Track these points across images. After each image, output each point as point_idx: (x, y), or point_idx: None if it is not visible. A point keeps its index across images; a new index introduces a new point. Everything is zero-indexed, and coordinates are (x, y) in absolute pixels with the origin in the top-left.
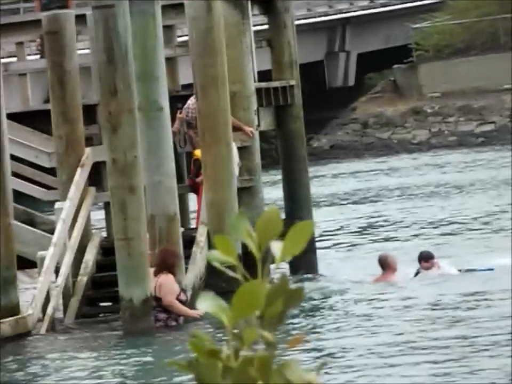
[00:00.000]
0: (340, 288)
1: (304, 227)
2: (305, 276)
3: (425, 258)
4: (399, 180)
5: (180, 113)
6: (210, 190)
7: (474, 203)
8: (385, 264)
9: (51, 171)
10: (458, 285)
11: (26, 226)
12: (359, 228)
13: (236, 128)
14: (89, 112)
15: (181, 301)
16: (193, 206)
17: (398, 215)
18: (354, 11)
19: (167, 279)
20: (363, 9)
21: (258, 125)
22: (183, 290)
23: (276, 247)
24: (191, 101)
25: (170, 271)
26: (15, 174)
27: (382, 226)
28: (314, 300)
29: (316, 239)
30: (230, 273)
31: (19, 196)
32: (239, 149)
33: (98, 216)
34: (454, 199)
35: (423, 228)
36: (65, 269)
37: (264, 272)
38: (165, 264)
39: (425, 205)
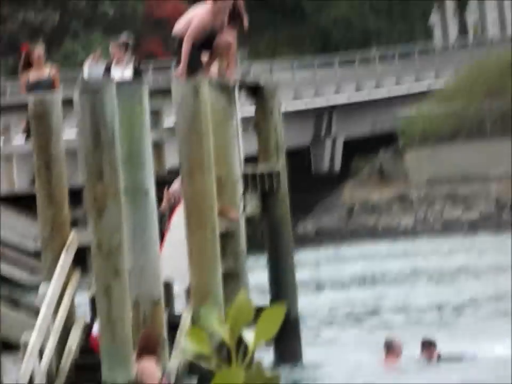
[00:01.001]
0: (322, 376)
1: (275, 312)
2: (289, 363)
3: (427, 346)
4: (385, 265)
5: (167, 189)
6: (195, 275)
7: (460, 288)
8: (390, 348)
9: (36, 254)
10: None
11: (10, 311)
12: (345, 313)
13: (221, 213)
14: (75, 195)
15: None
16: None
17: (383, 300)
18: (341, 97)
19: (148, 365)
20: (349, 96)
21: (244, 210)
22: (166, 374)
23: (248, 334)
24: (176, 185)
25: (152, 354)
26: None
27: (368, 311)
28: None
29: (301, 325)
30: (203, 364)
31: (3, 280)
32: (224, 234)
33: (83, 299)
34: (440, 284)
35: (411, 313)
36: (48, 353)
37: (239, 360)
38: (148, 348)
39: (411, 290)
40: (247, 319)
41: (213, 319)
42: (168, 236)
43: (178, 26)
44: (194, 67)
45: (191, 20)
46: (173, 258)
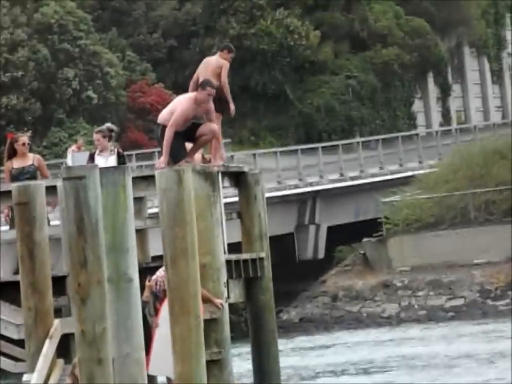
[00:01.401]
0: None
1: None
2: None
3: None
4: (370, 354)
5: (149, 281)
6: (179, 362)
7: (446, 375)
8: None
9: (19, 343)
10: None
11: None
12: None
13: (205, 300)
14: (59, 283)
15: None
16: (161, 379)
17: None
18: (324, 184)
19: None
20: (333, 183)
21: (228, 297)
22: None
23: None
24: (160, 273)
25: None
26: None
27: None
28: None
29: None
30: None
31: None
32: (208, 321)
33: None
34: (425, 373)
35: None
36: None
37: None
38: None
39: (396, 379)
40: None
41: None
42: (158, 332)
43: (163, 114)
44: (176, 156)
45: (175, 108)
46: (163, 355)
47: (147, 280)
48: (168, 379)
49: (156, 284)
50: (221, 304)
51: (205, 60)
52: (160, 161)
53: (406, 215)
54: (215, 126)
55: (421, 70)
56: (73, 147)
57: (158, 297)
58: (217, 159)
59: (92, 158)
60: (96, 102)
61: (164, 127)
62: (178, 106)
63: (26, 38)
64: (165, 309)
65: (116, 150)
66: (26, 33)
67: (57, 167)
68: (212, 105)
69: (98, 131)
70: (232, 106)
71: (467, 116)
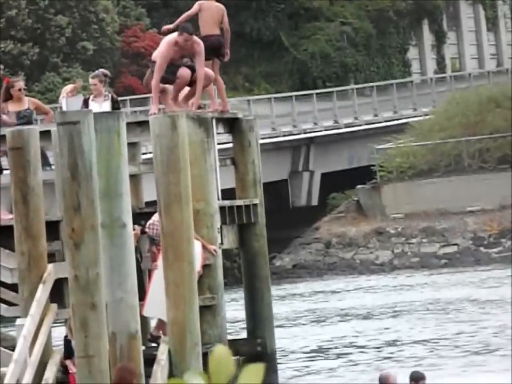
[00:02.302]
0: None
1: (254, 371)
2: None
3: (416, 379)
4: (363, 300)
5: (134, 230)
6: (172, 307)
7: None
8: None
9: (13, 287)
10: None
11: None
12: (322, 348)
13: (201, 247)
14: (52, 228)
15: None
16: (154, 322)
17: (362, 336)
18: (319, 131)
19: None
20: (327, 129)
21: (222, 243)
22: None
23: None
24: (156, 217)
25: None
26: None
27: (346, 347)
28: None
29: (278, 361)
30: None
31: None
32: (203, 266)
33: (60, 333)
34: (418, 320)
35: (389, 347)
36: None
37: None
38: (124, 382)
39: (389, 326)
40: (228, 372)
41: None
42: (156, 274)
43: (155, 53)
44: (166, 79)
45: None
46: (159, 297)
47: (133, 228)
48: (160, 321)
49: (150, 228)
50: (215, 250)
51: (206, 4)
52: (152, 110)
53: (400, 163)
54: (207, 71)
55: (416, 17)
56: (68, 88)
57: (154, 241)
58: (224, 104)
59: (86, 103)
60: (91, 52)
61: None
62: (160, 49)
63: None
64: None
65: (110, 95)
66: None
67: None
68: (199, 48)
69: (94, 76)
70: (227, 54)
71: (462, 63)
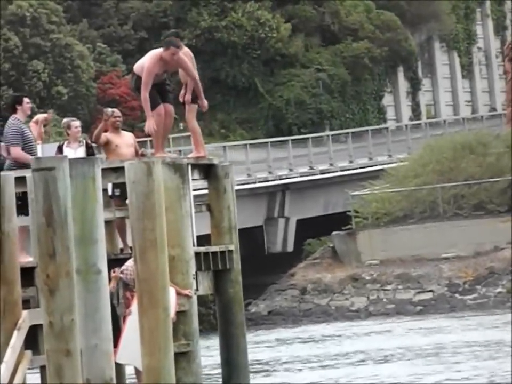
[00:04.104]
0: None
1: None
2: None
3: None
4: (338, 347)
5: (114, 272)
6: (146, 355)
7: (414, 370)
8: None
9: None
10: None
11: None
12: None
13: (178, 293)
14: (27, 274)
15: None
16: (129, 369)
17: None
18: (294, 177)
19: None
20: (302, 176)
21: (197, 289)
22: None
23: None
24: (130, 263)
25: None
26: None
27: None
28: None
29: None
30: None
31: None
32: (176, 313)
33: (34, 380)
34: (391, 365)
35: None
36: None
37: None
38: None
39: (364, 371)
40: None
41: None
42: (130, 320)
43: (138, 65)
44: (153, 104)
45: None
46: (133, 343)
47: (112, 271)
48: (136, 369)
49: (123, 273)
50: (189, 292)
51: (185, 51)
52: (148, 125)
53: (375, 209)
54: (190, 115)
55: (391, 64)
56: (41, 117)
57: (127, 286)
58: (200, 151)
59: (60, 149)
60: (66, 97)
61: (138, 77)
62: (145, 65)
63: None
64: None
65: (84, 141)
66: None
67: None
68: (184, 60)
69: (67, 122)
70: (204, 102)
71: (437, 110)
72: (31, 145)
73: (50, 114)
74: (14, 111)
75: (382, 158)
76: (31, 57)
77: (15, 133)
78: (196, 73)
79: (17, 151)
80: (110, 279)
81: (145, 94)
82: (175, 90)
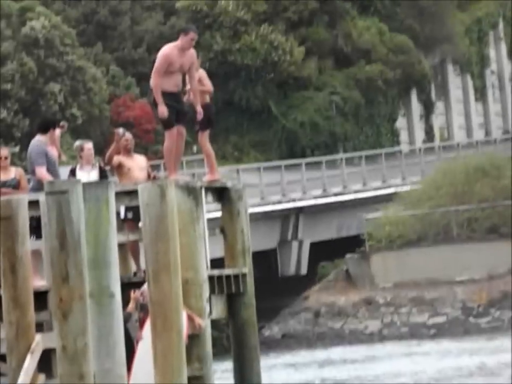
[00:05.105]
0: None
1: None
2: None
3: None
4: (353, 371)
5: (134, 292)
6: (160, 378)
7: None
8: None
9: (1, 357)
10: None
11: None
12: None
13: (188, 317)
14: (40, 298)
15: None
16: None
17: None
18: (308, 200)
19: None
20: (316, 199)
21: (210, 313)
22: None
23: None
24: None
25: None
26: None
27: None
28: None
29: None
30: None
31: None
32: (190, 336)
33: None
34: None
35: None
36: None
37: None
38: None
39: None
40: None
41: None
42: (141, 344)
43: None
44: (167, 123)
45: None
46: (145, 368)
47: (132, 292)
48: None
49: (142, 294)
50: (199, 325)
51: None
52: (160, 111)
53: (389, 232)
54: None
55: (405, 87)
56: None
57: (144, 308)
58: (214, 174)
59: (73, 173)
60: (80, 120)
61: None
62: (160, 51)
63: (13, 51)
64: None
65: (97, 164)
66: (12, 46)
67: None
68: (195, 58)
69: (81, 145)
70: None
71: (450, 133)
72: (54, 167)
73: (64, 126)
74: (43, 132)
75: (395, 181)
76: (47, 79)
77: (40, 153)
78: (210, 88)
79: (42, 172)
80: (128, 301)
81: (157, 80)
82: (189, 111)
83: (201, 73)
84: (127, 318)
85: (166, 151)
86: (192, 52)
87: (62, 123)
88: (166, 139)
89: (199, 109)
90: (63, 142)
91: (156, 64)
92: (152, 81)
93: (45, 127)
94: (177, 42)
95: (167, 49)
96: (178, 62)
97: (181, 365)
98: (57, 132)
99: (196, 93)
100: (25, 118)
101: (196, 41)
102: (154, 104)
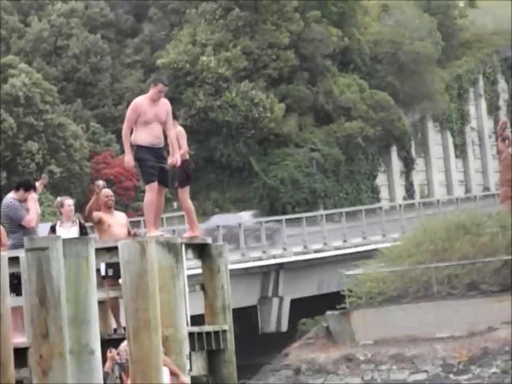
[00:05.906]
0: None
1: None
2: None
3: None
4: None
5: (110, 352)
6: None
7: None
8: None
9: None
10: None
11: None
12: None
13: (172, 373)
14: (20, 355)
15: None
16: None
17: None
18: (288, 257)
19: None
20: (296, 255)
21: (190, 370)
22: None
23: None
24: (125, 343)
25: None
26: None
27: None
28: None
29: None
30: None
31: None
32: None
33: None
34: None
35: None
36: None
37: None
38: None
39: None
40: None
41: None
42: None
43: (133, 136)
44: (148, 178)
45: None
46: None
47: (108, 351)
48: None
49: (118, 354)
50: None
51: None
52: (126, 161)
53: (369, 288)
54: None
55: (385, 144)
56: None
57: (123, 367)
58: (194, 230)
59: (53, 229)
60: (59, 176)
61: (137, 147)
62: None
63: None
64: None
65: (77, 221)
66: None
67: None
68: (168, 107)
69: (61, 202)
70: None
71: (430, 190)
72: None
73: (44, 179)
74: (16, 190)
75: (375, 238)
76: (26, 137)
77: (18, 207)
78: (186, 148)
79: (28, 220)
80: (105, 360)
81: (125, 130)
82: (170, 169)
83: (179, 131)
84: (105, 377)
85: (146, 205)
86: (166, 101)
87: (43, 175)
88: (146, 193)
89: (176, 156)
90: (44, 198)
91: (126, 114)
92: (123, 132)
93: (17, 186)
94: (148, 93)
95: (137, 99)
96: (151, 112)
97: None
98: (37, 184)
99: (173, 142)
100: (2, 171)
101: (178, 97)
102: (136, 159)
